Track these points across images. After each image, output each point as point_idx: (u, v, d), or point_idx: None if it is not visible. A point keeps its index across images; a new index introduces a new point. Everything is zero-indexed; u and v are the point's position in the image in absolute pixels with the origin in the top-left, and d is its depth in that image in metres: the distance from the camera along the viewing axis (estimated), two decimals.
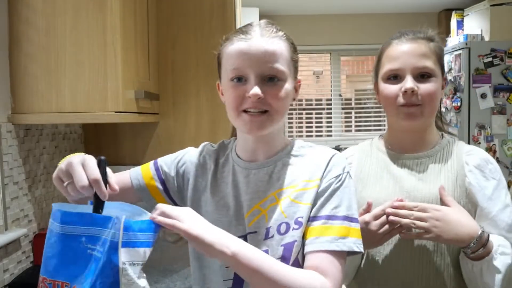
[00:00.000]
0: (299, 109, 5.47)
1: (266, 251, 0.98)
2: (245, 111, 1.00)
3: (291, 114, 5.39)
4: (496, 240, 1.16)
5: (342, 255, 0.96)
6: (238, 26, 1.88)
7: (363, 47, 5.03)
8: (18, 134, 1.56)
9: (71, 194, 0.92)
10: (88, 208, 0.91)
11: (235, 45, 1.01)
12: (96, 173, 0.88)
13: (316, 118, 5.45)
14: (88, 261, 0.85)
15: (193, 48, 2.02)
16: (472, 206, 1.22)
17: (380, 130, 5.24)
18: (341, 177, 1.02)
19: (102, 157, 0.91)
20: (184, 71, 2.03)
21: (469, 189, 1.22)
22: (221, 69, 1.07)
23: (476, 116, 3.73)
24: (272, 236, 0.99)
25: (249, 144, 1.08)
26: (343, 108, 5.44)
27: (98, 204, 0.88)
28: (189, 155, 1.16)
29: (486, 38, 3.79)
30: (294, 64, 1.05)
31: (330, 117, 5.41)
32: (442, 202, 1.19)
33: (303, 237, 0.99)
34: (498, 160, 3.70)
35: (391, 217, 1.15)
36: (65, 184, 0.92)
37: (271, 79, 0.99)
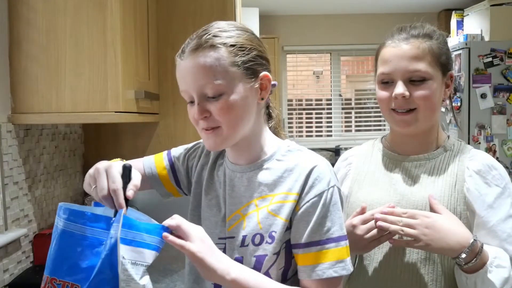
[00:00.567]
0: (299, 109, 5.47)
1: (241, 259, 0.98)
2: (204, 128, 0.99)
3: (291, 114, 5.39)
4: (493, 252, 1.09)
5: (339, 278, 0.96)
6: None
7: (363, 47, 5.04)
8: (18, 134, 1.56)
9: (96, 199, 0.94)
10: (94, 209, 0.92)
11: (177, 65, 0.99)
12: (116, 183, 0.90)
13: (316, 118, 5.45)
14: (95, 261, 0.85)
15: None
16: (470, 213, 1.16)
17: (380, 130, 5.24)
18: (326, 196, 0.96)
19: (127, 165, 0.94)
20: None
21: (467, 196, 1.15)
22: None
23: (476, 116, 3.73)
24: (247, 245, 0.99)
25: (228, 149, 1.07)
26: (343, 108, 5.45)
27: (117, 211, 0.89)
28: (200, 149, 1.17)
29: (486, 38, 3.79)
30: (243, 65, 0.96)
31: (330, 117, 5.41)
32: (432, 210, 1.13)
33: (289, 255, 0.98)
34: (498, 160, 3.70)
35: (379, 223, 1.10)
36: (92, 189, 0.95)
37: (212, 97, 0.95)
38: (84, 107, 1.51)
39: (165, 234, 0.87)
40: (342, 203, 1.01)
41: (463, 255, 1.05)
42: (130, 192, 0.92)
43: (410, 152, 1.24)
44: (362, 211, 1.15)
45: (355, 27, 5.09)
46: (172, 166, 1.19)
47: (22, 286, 1.48)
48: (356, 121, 5.45)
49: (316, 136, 5.41)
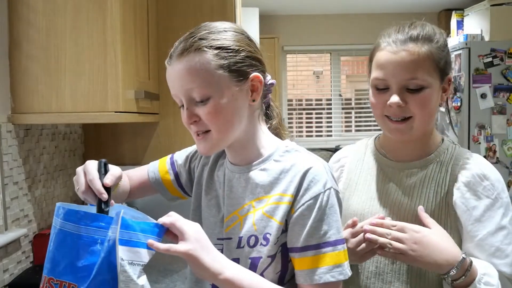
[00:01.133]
0: (299, 109, 5.47)
1: (238, 260, 0.97)
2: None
3: (291, 114, 5.39)
4: (482, 268, 1.04)
5: (337, 283, 0.94)
6: None
7: (363, 47, 5.03)
8: (18, 134, 1.56)
9: (82, 198, 0.97)
10: (90, 208, 0.92)
11: (166, 70, 0.99)
12: (92, 174, 0.93)
13: (316, 118, 5.45)
14: (91, 260, 0.85)
15: None
16: (460, 226, 1.11)
17: (380, 130, 5.23)
18: (322, 198, 0.94)
19: (103, 160, 0.98)
20: None
21: (455, 209, 1.11)
22: None
23: (476, 116, 3.73)
24: (243, 247, 0.98)
25: (226, 150, 1.06)
26: (343, 108, 5.45)
27: (101, 205, 0.91)
28: None
29: (486, 38, 3.79)
30: (231, 68, 0.94)
31: (330, 117, 5.41)
32: (422, 224, 1.09)
33: (286, 259, 0.97)
34: (498, 160, 3.70)
35: (367, 235, 1.08)
36: (77, 191, 0.98)
37: (200, 101, 0.95)
38: (84, 107, 1.51)
39: (150, 241, 0.86)
40: (340, 206, 0.99)
41: (452, 273, 1.02)
42: (108, 180, 0.93)
43: (403, 157, 1.19)
44: (354, 224, 1.12)
45: (355, 27, 5.09)
46: (175, 170, 1.19)
47: (22, 286, 1.48)
48: (356, 121, 5.45)
49: (316, 136, 5.40)
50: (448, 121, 3.91)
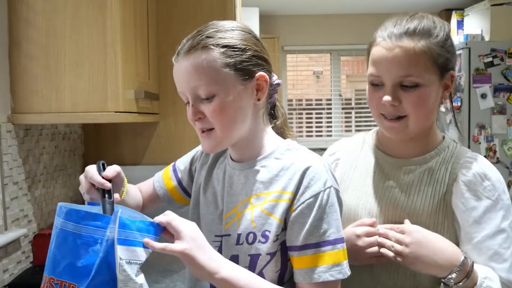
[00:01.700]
0: (299, 109, 5.47)
1: (237, 257, 0.98)
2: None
3: (291, 114, 5.39)
4: (483, 272, 1.00)
5: (336, 282, 0.94)
6: None
7: (363, 47, 4.99)
8: (18, 134, 1.56)
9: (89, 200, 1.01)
10: (90, 208, 0.93)
11: (173, 67, 1.00)
12: (91, 172, 0.97)
13: (316, 118, 5.45)
14: (91, 259, 0.85)
15: None
16: (458, 227, 1.08)
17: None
18: (322, 196, 0.94)
19: (101, 161, 1.02)
20: None
21: (453, 208, 1.07)
22: None
23: (476, 116, 3.73)
24: (242, 243, 0.98)
25: (230, 148, 1.07)
26: (343, 108, 5.44)
27: (105, 196, 0.94)
28: (200, 151, 1.19)
29: (486, 38, 3.79)
30: (237, 66, 0.95)
31: (330, 117, 5.41)
32: (417, 223, 1.06)
33: (285, 258, 0.97)
34: (498, 160, 3.70)
35: (380, 239, 1.05)
36: (85, 196, 1.02)
37: (205, 99, 0.96)
38: (84, 107, 1.51)
39: (145, 240, 0.86)
40: (341, 205, 0.98)
41: (453, 275, 0.98)
42: (107, 172, 0.98)
43: (401, 154, 1.15)
44: (372, 224, 1.09)
45: (355, 27, 5.08)
46: (177, 175, 1.20)
47: (21, 286, 1.47)
48: (356, 121, 5.45)
49: (316, 136, 5.40)
50: (448, 121, 3.90)
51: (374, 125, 1.23)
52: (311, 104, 5.51)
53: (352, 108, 5.47)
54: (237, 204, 1.01)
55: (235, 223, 1.00)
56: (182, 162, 1.22)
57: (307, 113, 5.49)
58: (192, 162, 1.19)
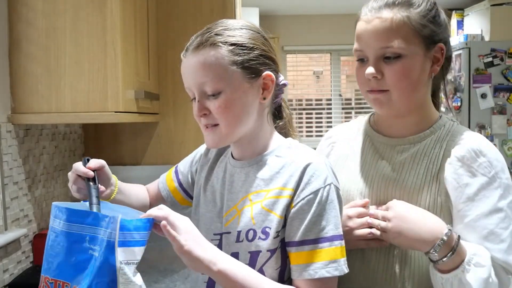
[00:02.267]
0: (299, 109, 5.47)
1: (237, 254, 0.98)
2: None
3: (291, 114, 5.39)
4: (472, 249, 0.96)
5: (332, 279, 0.94)
6: None
7: None
8: (18, 134, 1.56)
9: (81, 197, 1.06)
10: (86, 206, 0.93)
11: (182, 63, 1.01)
12: (76, 165, 1.04)
13: (316, 118, 5.45)
14: (88, 261, 0.85)
15: None
16: (451, 206, 1.03)
17: None
18: (322, 193, 0.94)
19: (86, 157, 1.09)
20: None
21: (445, 186, 1.03)
22: None
23: (476, 116, 3.73)
24: (242, 241, 0.98)
25: (232, 145, 1.08)
26: (343, 108, 5.44)
27: (90, 184, 1.00)
28: (200, 152, 1.20)
29: (486, 38, 3.79)
30: (244, 64, 0.97)
31: (330, 117, 5.41)
32: (410, 201, 1.04)
33: (285, 255, 0.97)
34: None
35: (369, 219, 1.04)
36: (75, 193, 1.08)
37: (212, 95, 0.96)
38: (84, 107, 1.51)
39: (163, 223, 0.86)
40: (340, 202, 0.98)
41: (437, 247, 0.94)
42: (91, 163, 1.05)
43: (396, 133, 1.13)
44: (364, 205, 1.08)
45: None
46: (178, 177, 1.22)
47: (22, 286, 1.48)
48: None
49: (316, 136, 5.40)
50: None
51: None
52: (311, 104, 5.51)
53: (352, 108, 5.47)
54: (237, 201, 1.02)
55: (235, 220, 1.01)
56: (183, 164, 1.23)
57: (307, 113, 5.49)
58: (192, 164, 1.20)
